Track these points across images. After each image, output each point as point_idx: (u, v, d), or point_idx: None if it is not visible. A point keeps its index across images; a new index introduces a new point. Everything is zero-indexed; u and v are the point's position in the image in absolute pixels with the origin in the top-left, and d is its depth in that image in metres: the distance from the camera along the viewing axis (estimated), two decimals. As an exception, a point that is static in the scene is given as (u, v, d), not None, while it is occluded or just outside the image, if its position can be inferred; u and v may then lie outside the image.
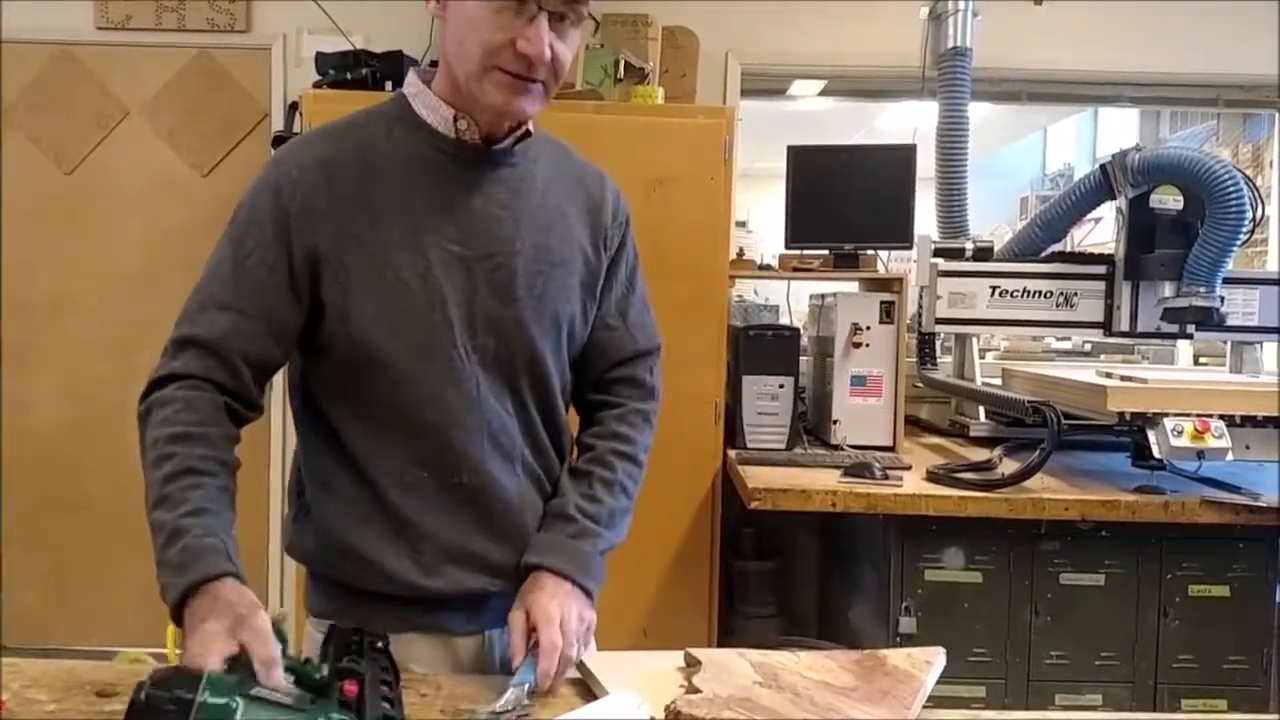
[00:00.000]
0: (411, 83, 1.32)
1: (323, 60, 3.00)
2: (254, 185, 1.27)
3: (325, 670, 1.02)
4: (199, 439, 1.15)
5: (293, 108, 3.06)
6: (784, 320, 3.45)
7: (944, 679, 1.23)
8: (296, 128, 2.96)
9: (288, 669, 0.97)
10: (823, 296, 3.13)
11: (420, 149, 1.28)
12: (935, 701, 1.17)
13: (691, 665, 1.18)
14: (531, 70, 1.19)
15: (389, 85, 2.96)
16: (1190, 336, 2.88)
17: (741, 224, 5.13)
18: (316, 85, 2.98)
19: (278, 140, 3.10)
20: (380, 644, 1.13)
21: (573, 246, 1.35)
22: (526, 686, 1.12)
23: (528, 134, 1.31)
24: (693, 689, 1.11)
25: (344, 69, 2.94)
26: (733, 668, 1.18)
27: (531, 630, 1.20)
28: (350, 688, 1.00)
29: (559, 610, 1.21)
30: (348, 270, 1.23)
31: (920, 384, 3.19)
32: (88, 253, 3.47)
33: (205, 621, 1.00)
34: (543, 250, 1.31)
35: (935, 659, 1.24)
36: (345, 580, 1.30)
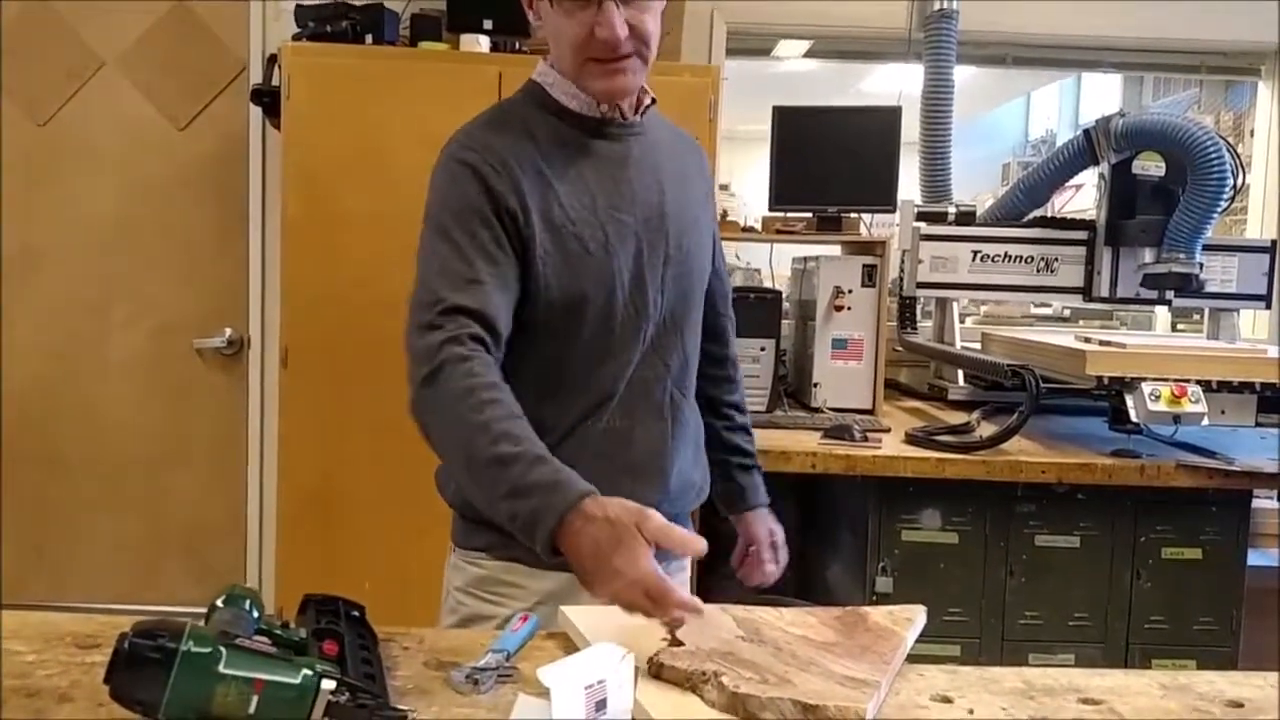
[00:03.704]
0: (544, 72, 1.43)
1: (302, 12, 2.94)
2: (447, 177, 1.35)
3: (303, 633, 1.02)
4: (506, 390, 1.26)
5: (271, 60, 3.00)
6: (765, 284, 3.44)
7: (919, 638, 1.24)
8: (275, 81, 2.91)
9: (263, 632, 0.96)
10: (805, 260, 3.13)
11: (572, 131, 1.40)
12: (910, 660, 1.18)
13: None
14: (616, 51, 1.31)
15: (369, 39, 2.91)
16: (1169, 303, 2.90)
17: (724, 187, 5.11)
18: (296, 38, 2.92)
19: (256, 94, 3.04)
20: (356, 612, 1.13)
21: (699, 204, 1.51)
22: (506, 654, 1.12)
23: (653, 101, 1.45)
24: (675, 642, 1.11)
25: (324, 21, 2.88)
26: (716, 622, 1.18)
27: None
28: (330, 646, 1.00)
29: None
30: (540, 244, 1.34)
31: (900, 348, 3.20)
32: (61, 206, 3.41)
33: (614, 530, 1.11)
34: (683, 210, 1.46)
35: (916, 617, 1.25)
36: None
